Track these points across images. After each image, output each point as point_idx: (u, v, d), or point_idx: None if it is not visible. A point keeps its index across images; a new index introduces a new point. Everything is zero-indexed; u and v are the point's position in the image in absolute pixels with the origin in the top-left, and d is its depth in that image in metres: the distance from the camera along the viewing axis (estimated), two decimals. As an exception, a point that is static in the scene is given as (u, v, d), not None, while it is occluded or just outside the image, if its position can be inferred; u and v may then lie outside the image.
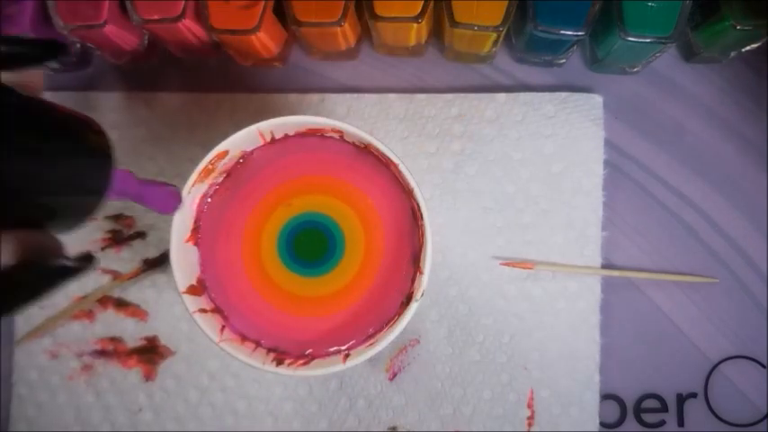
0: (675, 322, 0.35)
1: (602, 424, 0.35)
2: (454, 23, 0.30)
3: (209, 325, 0.28)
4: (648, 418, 0.35)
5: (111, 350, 0.36)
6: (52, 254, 0.15)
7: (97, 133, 0.18)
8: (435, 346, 0.35)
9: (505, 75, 0.37)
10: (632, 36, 0.30)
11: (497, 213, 0.35)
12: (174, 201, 0.24)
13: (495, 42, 0.33)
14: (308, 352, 0.29)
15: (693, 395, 0.35)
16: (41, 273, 0.15)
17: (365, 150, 0.30)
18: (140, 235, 0.36)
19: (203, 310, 0.29)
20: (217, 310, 0.30)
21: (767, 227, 0.35)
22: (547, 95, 0.35)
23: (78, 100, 0.37)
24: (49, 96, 0.36)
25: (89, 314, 0.36)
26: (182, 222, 0.29)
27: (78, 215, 0.17)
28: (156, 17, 0.31)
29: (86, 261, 0.16)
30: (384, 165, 0.30)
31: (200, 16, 0.32)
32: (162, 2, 0.31)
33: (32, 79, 0.17)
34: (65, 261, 0.15)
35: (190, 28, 0.32)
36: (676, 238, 0.36)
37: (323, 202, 0.30)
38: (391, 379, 0.35)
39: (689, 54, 0.36)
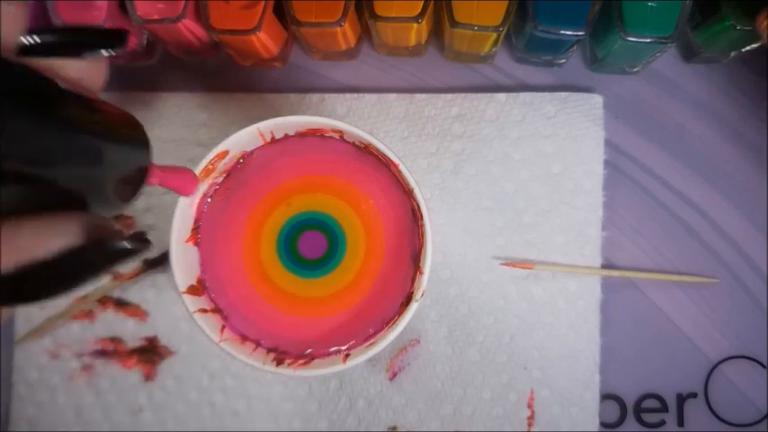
0: (675, 322, 0.35)
1: (602, 424, 0.35)
2: (454, 23, 0.31)
3: (209, 325, 0.28)
4: (648, 418, 0.35)
5: (111, 350, 0.36)
6: (111, 235, 0.15)
7: (136, 125, 0.19)
8: (435, 346, 0.35)
9: (505, 75, 0.37)
10: (632, 36, 0.30)
11: (497, 213, 0.35)
12: (195, 182, 0.26)
13: (495, 42, 0.33)
14: (307, 352, 0.29)
15: (693, 395, 0.35)
16: (104, 253, 0.15)
17: (365, 150, 0.30)
18: (140, 235, 0.36)
19: (203, 310, 0.29)
20: (217, 310, 0.30)
21: (767, 227, 0.35)
22: (547, 95, 0.35)
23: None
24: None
25: (89, 314, 0.36)
26: (182, 222, 0.29)
27: (120, 199, 0.18)
28: (156, 17, 0.31)
29: (142, 242, 0.16)
30: (384, 165, 0.30)
31: (201, 16, 0.32)
32: (162, 2, 0.31)
33: (92, 73, 0.17)
34: (124, 243, 0.16)
35: (190, 28, 0.32)
36: (676, 238, 0.36)
37: (323, 202, 0.30)
38: (391, 379, 0.35)
39: (689, 54, 0.36)
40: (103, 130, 0.17)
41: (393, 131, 0.36)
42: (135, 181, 0.19)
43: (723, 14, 0.31)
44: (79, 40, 0.16)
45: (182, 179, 0.25)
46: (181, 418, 0.35)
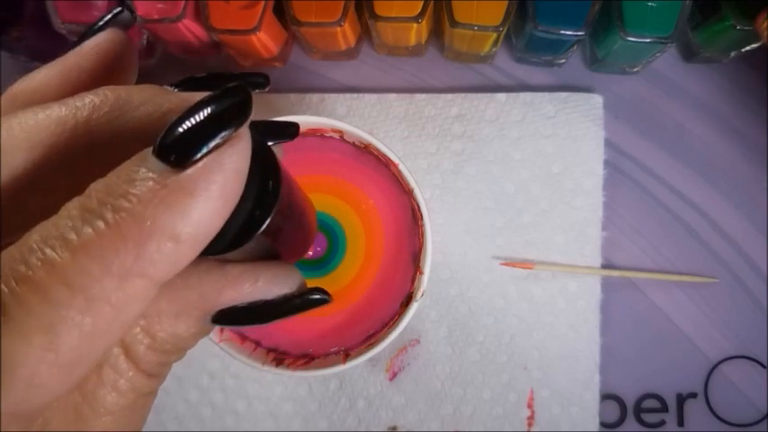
0: (675, 322, 0.35)
1: (602, 424, 0.35)
2: (454, 23, 0.31)
3: (209, 325, 0.28)
4: (648, 418, 0.35)
5: (111, 350, 0.36)
6: (307, 287, 0.17)
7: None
8: (435, 346, 0.35)
9: (505, 75, 0.37)
10: (632, 36, 0.30)
11: (497, 213, 0.35)
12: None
13: (495, 42, 0.33)
14: (308, 352, 0.29)
15: (693, 395, 0.35)
16: (303, 302, 0.17)
17: (365, 150, 0.30)
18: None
19: (203, 310, 0.28)
20: (217, 310, 0.30)
21: (767, 227, 0.35)
22: (547, 95, 0.35)
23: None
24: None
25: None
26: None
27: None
28: (156, 17, 0.31)
29: (327, 295, 0.17)
30: (384, 165, 0.30)
31: (201, 16, 0.32)
32: (162, 2, 0.31)
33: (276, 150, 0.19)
34: (317, 295, 0.17)
35: (190, 28, 0.32)
36: (676, 238, 0.36)
37: (323, 202, 0.30)
38: (391, 379, 0.35)
39: (689, 54, 0.36)
40: (298, 194, 0.19)
41: (393, 131, 0.36)
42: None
43: (723, 14, 0.31)
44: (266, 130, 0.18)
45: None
46: (181, 418, 0.35)
